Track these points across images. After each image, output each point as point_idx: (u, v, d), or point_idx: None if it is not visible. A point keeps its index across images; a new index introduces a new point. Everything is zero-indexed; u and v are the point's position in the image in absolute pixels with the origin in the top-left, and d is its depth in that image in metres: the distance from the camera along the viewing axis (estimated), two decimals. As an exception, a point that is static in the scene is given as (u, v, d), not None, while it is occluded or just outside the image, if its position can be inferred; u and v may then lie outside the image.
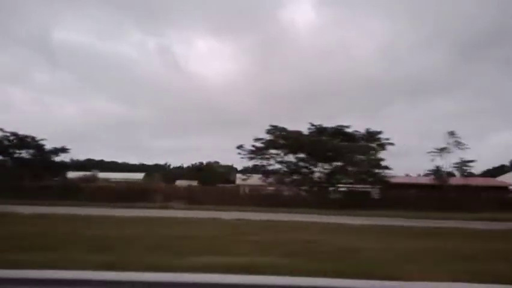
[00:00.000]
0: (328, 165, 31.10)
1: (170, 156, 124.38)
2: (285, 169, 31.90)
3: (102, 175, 45.97)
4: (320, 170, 31.43)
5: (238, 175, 40.59)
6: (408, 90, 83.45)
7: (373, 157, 30.53)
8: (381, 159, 30.72)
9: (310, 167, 31.50)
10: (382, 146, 31.15)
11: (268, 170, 32.16)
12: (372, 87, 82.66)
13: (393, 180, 30.98)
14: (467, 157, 31.57)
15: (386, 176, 30.39)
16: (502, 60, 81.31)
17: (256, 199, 28.84)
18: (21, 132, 32.68)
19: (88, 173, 41.87)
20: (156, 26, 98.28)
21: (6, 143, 32.27)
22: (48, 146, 33.27)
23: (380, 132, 31.44)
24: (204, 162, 71.47)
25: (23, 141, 32.59)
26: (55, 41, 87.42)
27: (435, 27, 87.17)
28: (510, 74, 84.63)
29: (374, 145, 31.25)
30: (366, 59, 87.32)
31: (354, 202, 26.71)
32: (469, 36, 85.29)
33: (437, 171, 32.48)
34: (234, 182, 43.90)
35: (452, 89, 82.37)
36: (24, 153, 33.01)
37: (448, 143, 30.95)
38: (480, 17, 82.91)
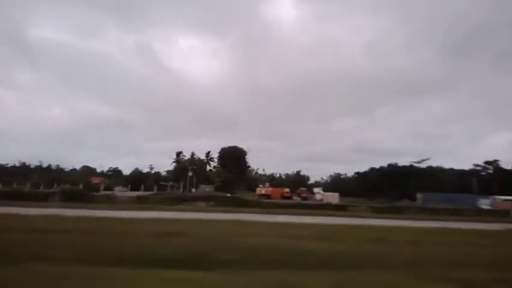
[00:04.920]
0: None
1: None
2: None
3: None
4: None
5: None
6: (399, 91, 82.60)
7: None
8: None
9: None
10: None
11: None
12: (362, 87, 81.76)
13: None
14: None
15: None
16: (494, 57, 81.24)
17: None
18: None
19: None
20: (138, 25, 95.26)
21: None
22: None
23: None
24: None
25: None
26: (35, 41, 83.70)
27: (425, 25, 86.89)
28: (501, 72, 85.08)
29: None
30: (355, 58, 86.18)
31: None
32: (460, 34, 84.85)
33: None
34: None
35: (443, 89, 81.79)
36: None
37: None
38: (471, 14, 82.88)
